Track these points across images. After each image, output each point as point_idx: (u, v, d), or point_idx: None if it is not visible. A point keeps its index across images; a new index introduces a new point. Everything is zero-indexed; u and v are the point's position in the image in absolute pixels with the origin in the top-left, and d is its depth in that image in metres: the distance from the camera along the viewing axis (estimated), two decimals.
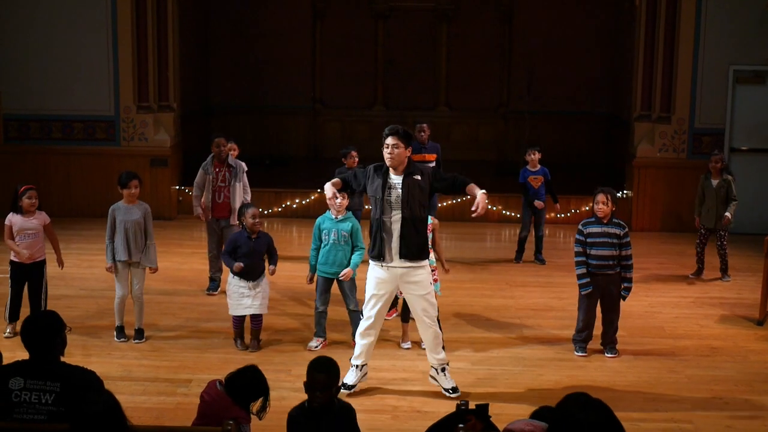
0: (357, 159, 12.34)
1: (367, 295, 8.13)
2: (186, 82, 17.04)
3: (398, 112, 19.38)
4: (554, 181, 13.11)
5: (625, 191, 15.60)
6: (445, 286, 10.18)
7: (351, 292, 9.39)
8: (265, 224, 15.32)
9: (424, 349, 9.39)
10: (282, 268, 11.77)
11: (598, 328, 9.43)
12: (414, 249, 7.89)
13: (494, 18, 19.74)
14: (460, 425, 5.05)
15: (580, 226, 9.28)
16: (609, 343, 9.37)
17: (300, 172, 18.19)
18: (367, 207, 11.45)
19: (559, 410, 4.33)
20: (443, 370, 8.21)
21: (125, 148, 15.65)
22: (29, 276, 9.54)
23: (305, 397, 8.16)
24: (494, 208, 15.72)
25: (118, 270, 9.50)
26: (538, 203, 12.80)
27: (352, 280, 9.42)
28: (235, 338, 9.45)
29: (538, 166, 12.92)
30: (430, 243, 9.13)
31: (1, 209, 9.71)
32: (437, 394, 8.20)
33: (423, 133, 13.04)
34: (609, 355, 9.29)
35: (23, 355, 5.37)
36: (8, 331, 9.58)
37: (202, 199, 11.32)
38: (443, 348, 8.24)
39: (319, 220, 9.44)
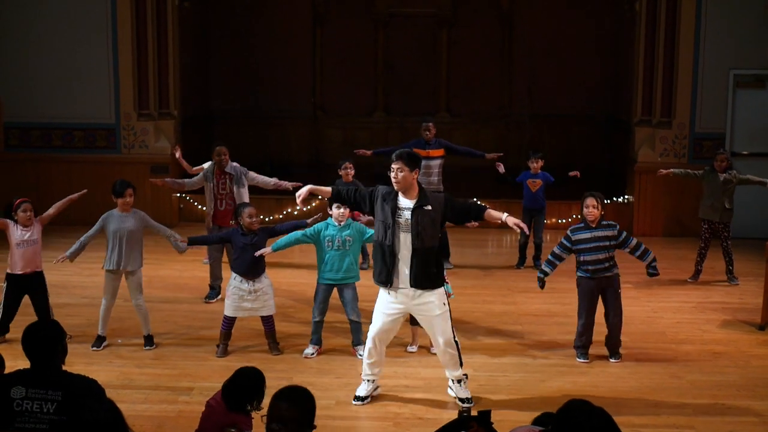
0: (352, 171, 12.40)
1: (375, 315, 8.04)
2: (186, 89, 17.04)
3: (399, 118, 19.39)
4: (554, 185, 13.13)
5: (626, 196, 15.59)
6: None
7: (353, 302, 9.36)
8: None
9: (434, 353, 9.39)
10: (283, 275, 11.81)
11: (599, 333, 9.44)
12: (426, 280, 7.78)
13: (494, 23, 19.74)
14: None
15: (568, 232, 9.28)
16: (613, 347, 9.37)
17: (301, 178, 18.09)
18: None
19: (560, 417, 4.34)
20: (460, 382, 8.15)
21: (126, 155, 15.66)
22: (28, 288, 9.47)
23: None
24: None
25: (107, 275, 9.46)
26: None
27: (354, 289, 9.40)
28: (219, 343, 9.38)
29: (539, 172, 13.00)
30: None
31: (5, 208, 9.72)
32: (439, 402, 8.20)
33: (428, 132, 13.07)
34: (613, 360, 9.30)
35: (24, 363, 5.37)
36: None
37: (207, 210, 11.38)
38: (461, 363, 8.14)
39: (320, 224, 9.37)
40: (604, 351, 9.47)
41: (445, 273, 9.35)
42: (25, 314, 9.49)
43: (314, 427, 4.79)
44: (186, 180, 11.76)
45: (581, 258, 9.17)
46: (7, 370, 5.62)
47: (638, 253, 9.29)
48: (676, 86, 15.17)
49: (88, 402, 5.00)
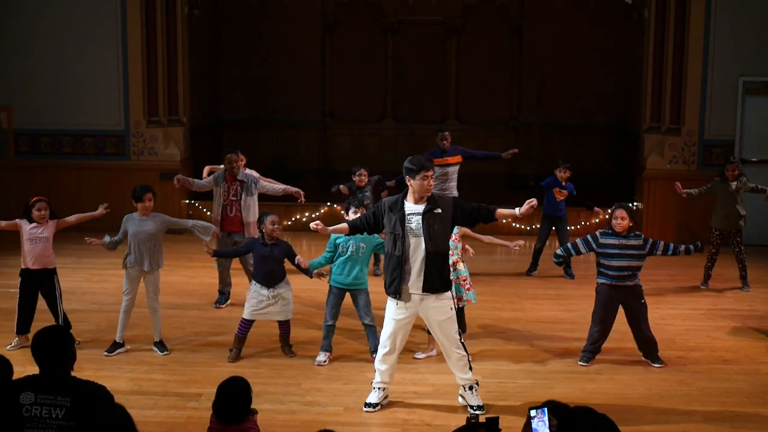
0: (366, 177, 12.49)
1: (386, 320, 8.08)
2: (196, 97, 17.09)
3: (408, 126, 19.42)
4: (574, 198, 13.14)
5: (635, 203, 15.57)
6: None
7: (366, 306, 9.38)
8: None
9: (419, 359, 9.42)
10: (292, 281, 11.81)
11: (611, 340, 9.44)
12: (437, 283, 7.84)
13: (503, 31, 19.77)
14: None
15: (597, 233, 9.31)
16: (649, 354, 9.39)
17: (310, 185, 18.14)
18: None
19: (564, 424, 4.33)
20: (471, 388, 8.16)
21: (135, 162, 15.70)
22: (40, 285, 9.66)
23: (316, 410, 8.20)
24: (504, 221, 15.69)
25: (126, 274, 9.59)
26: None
27: (366, 293, 9.41)
28: (233, 347, 9.46)
29: (565, 183, 12.91)
30: (459, 252, 9.35)
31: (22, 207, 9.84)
32: (447, 408, 8.19)
33: (445, 141, 13.18)
34: (655, 365, 9.31)
35: (33, 369, 5.39)
36: (14, 343, 9.65)
37: (213, 215, 11.40)
38: (470, 369, 8.17)
39: (341, 239, 9.34)
40: (613, 357, 9.47)
41: (469, 281, 9.46)
42: (44, 320, 9.54)
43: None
44: (196, 180, 11.77)
45: (605, 262, 9.18)
46: (16, 376, 5.63)
47: (670, 252, 9.37)
48: (685, 93, 15.14)
49: (100, 407, 5.01)
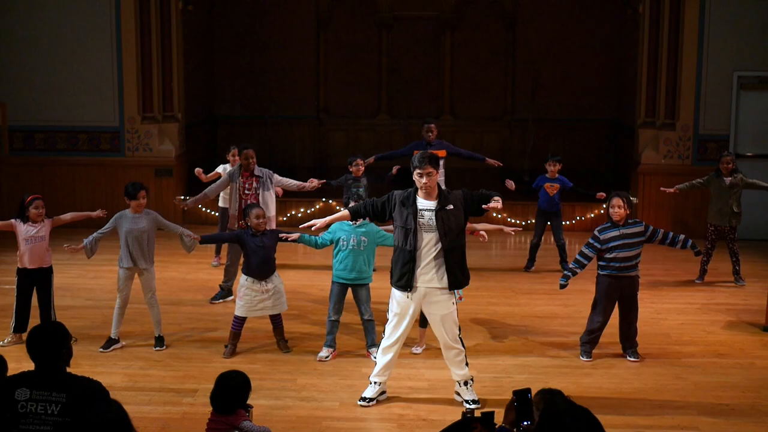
0: (362, 167, 12.45)
1: (390, 314, 8.09)
2: (190, 93, 17.08)
3: (402, 121, 19.40)
4: (572, 190, 13.08)
5: (630, 198, 15.57)
6: None
7: (367, 301, 9.37)
8: None
9: (416, 353, 9.40)
10: (288, 276, 11.82)
11: (605, 335, 9.45)
12: (461, 277, 7.93)
13: (498, 26, 19.75)
14: None
15: (596, 232, 9.26)
16: (630, 347, 9.41)
17: (305, 180, 18.15)
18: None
19: (544, 418, 4.33)
20: (466, 384, 8.18)
21: (130, 158, 15.69)
22: (36, 283, 9.63)
23: (312, 405, 8.21)
24: (499, 216, 15.70)
25: (120, 273, 9.58)
26: (508, 182, 12.56)
27: (368, 289, 9.40)
28: (228, 343, 9.45)
29: (557, 176, 12.88)
30: None
31: (6, 218, 9.78)
32: (443, 403, 8.20)
33: (430, 134, 13.22)
34: (631, 359, 9.34)
35: (29, 365, 5.39)
36: (7, 339, 9.64)
37: (230, 211, 11.39)
38: (467, 364, 8.18)
39: (336, 224, 9.28)
40: (608, 351, 9.49)
41: None
42: (37, 316, 9.57)
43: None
44: (206, 190, 11.73)
45: (610, 255, 9.14)
46: (11, 372, 5.63)
47: (668, 241, 9.37)
48: (679, 88, 15.16)
49: (95, 403, 5.01)
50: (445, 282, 7.84)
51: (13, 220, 9.62)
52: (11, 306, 9.83)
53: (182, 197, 12.06)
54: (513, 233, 9.56)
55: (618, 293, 9.27)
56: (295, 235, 9.35)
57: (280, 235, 9.52)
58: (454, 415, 7.41)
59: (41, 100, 15.62)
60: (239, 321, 9.45)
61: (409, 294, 7.88)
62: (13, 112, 15.66)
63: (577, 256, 9.36)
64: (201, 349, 9.64)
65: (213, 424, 6.17)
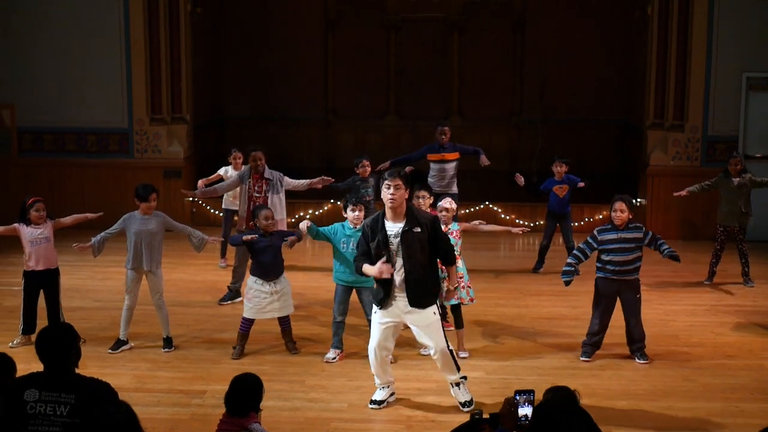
0: (369, 168, 12.45)
1: (372, 325, 8.07)
2: (199, 94, 17.09)
3: (410, 122, 19.40)
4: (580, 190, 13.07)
5: (638, 199, 15.57)
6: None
7: (371, 303, 9.29)
8: None
9: (425, 355, 9.36)
10: (295, 278, 11.82)
11: (609, 336, 9.45)
12: (422, 298, 7.76)
13: (506, 27, 19.73)
14: None
15: (595, 232, 9.31)
16: (638, 350, 9.39)
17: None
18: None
19: (539, 415, 4.33)
20: (458, 385, 8.14)
21: (139, 160, 15.71)
22: (44, 285, 9.63)
23: (320, 407, 8.21)
24: (507, 218, 15.71)
25: (128, 274, 9.58)
26: (518, 177, 12.58)
27: (371, 290, 9.36)
28: (236, 344, 9.47)
29: (563, 177, 12.81)
30: (459, 249, 9.29)
31: (15, 220, 9.76)
32: (451, 405, 8.18)
33: (444, 136, 13.13)
34: (640, 362, 9.31)
35: (38, 366, 5.39)
36: (17, 341, 9.64)
37: (240, 212, 11.39)
38: (458, 368, 8.10)
39: (337, 225, 9.36)
40: (616, 352, 9.47)
41: (467, 278, 9.40)
42: (44, 318, 9.58)
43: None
44: (217, 186, 11.88)
45: (605, 258, 9.18)
46: (20, 374, 5.64)
47: (654, 246, 9.32)
48: (688, 89, 15.13)
49: (104, 404, 5.02)
50: (424, 305, 7.78)
51: (15, 225, 9.60)
52: (18, 308, 9.83)
53: (195, 191, 12.06)
54: (521, 233, 9.56)
55: (615, 296, 9.28)
56: (294, 237, 9.50)
57: (286, 238, 9.53)
58: (463, 416, 7.43)
59: (50, 101, 15.64)
60: (247, 322, 9.46)
61: (384, 310, 7.86)
62: (22, 113, 15.69)
63: (575, 251, 9.41)
64: (209, 351, 9.64)
65: (224, 425, 6.18)
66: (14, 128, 15.78)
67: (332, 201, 15.70)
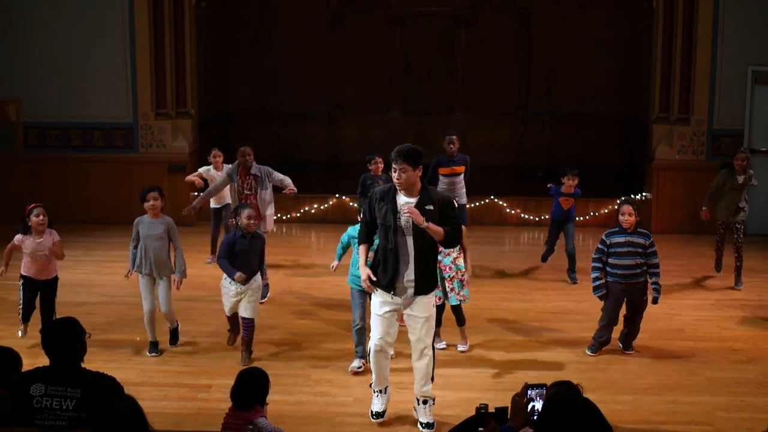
0: (382, 165, 12.16)
1: (372, 318, 7.67)
2: (203, 89, 17.09)
3: (416, 117, 19.37)
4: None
5: (644, 193, 15.55)
6: None
7: None
8: (284, 229, 15.38)
9: (462, 351, 9.29)
10: (300, 273, 11.84)
11: (615, 331, 9.46)
12: (428, 283, 7.47)
13: (512, 21, 19.68)
14: (480, 429, 5.05)
15: (603, 236, 9.28)
16: (627, 342, 9.48)
17: (318, 177, 18.21)
18: None
19: (546, 408, 4.33)
20: (425, 402, 7.71)
21: (143, 154, 15.72)
22: (41, 290, 9.41)
23: (325, 401, 8.22)
24: (512, 212, 15.69)
25: (141, 280, 9.40)
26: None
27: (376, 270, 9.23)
28: (229, 328, 9.56)
29: (573, 191, 12.26)
30: (458, 250, 9.07)
31: (20, 215, 9.63)
32: (456, 398, 8.17)
33: (452, 146, 12.61)
34: (628, 352, 9.39)
35: (44, 361, 5.41)
36: (21, 330, 9.51)
37: (232, 206, 11.35)
38: (432, 380, 7.81)
39: (350, 230, 9.08)
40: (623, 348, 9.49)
41: (467, 277, 9.24)
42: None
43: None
44: (209, 191, 11.95)
45: (612, 261, 9.17)
46: (26, 368, 5.66)
47: (652, 272, 9.20)
48: (693, 83, 15.11)
49: (110, 398, 5.04)
50: (425, 291, 7.48)
51: (15, 240, 9.28)
52: (17, 301, 9.66)
53: (192, 206, 12.02)
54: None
55: (623, 298, 9.29)
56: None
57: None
58: (469, 410, 7.42)
59: (55, 96, 15.64)
60: (228, 319, 9.48)
61: (395, 296, 7.47)
62: (27, 108, 15.71)
63: (594, 263, 9.30)
64: (215, 345, 9.65)
65: (230, 419, 6.20)
66: (20, 123, 15.79)
67: (337, 195, 15.69)
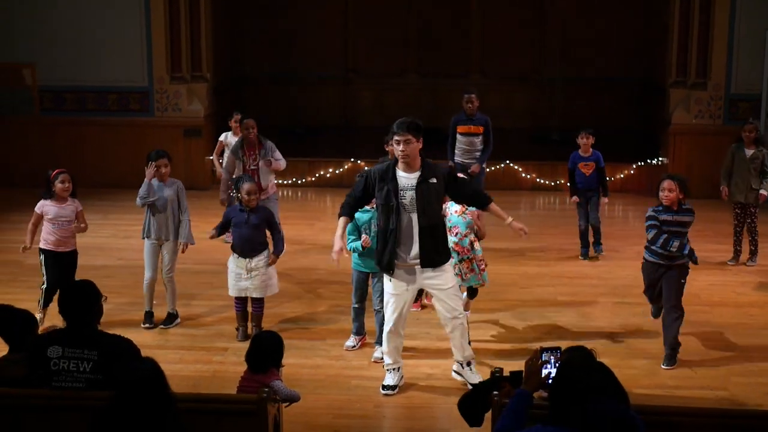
0: None
1: (386, 297, 7.61)
2: (218, 53, 17.06)
3: (431, 80, 19.29)
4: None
5: (660, 158, 15.49)
6: None
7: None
8: (299, 194, 15.39)
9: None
10: (314, 240, 11.81)
11: (634, 296, 9.44)
12: (435, 256, 7.36)
13: None
14: (495, 392, 5.07)
15: (652, 212, 8.30)
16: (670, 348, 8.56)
17: (332, 141, 18.19)
18: None
19: (560, 372, 4.33)
20: (469, 364, 7.79)
21: (159, 118, 15.72)
22: (63, 264, 9.08)
23: (341, 364, 8.25)
24: (528, 176, 15.65)
25: (146, 246, 9.24)
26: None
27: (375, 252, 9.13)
28: (237, 326, 8.99)
29: (590, 152, 11.60)
30: (474, 232, 8.84)
31: (37, 179, 9.53)
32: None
33: (471, 105, 12.25)
34: (664, 367, 8.31)
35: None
36: (40, 314, 8.94)
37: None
38: (469, 343, 7.86)
39: (358, 214, 8.35)
40: (637, 311, 9.45)
41: (485, 261, 8.98)
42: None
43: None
44: (224, 177, 11.54)
45: (661, 240, 8.18)
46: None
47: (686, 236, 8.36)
48: (711, 47, 14.99)
49: (129, 360, 5.06)
50: (438, 264, 7.39)
51: (37, 208, 9.05)
52: (33, 265, 9.54)
53: (223, 198, 11.62)
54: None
55: (659, 281, 8.39)
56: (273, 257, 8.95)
57: (271, 257, 8.97)
58: (483, 374, 7.45)
59: (71, 60, 15.64)
60: (236, 302, 9.01)
61: (393, 276, 7.42)
62: (43, 72, 15.71)
63: (654, 242, 8.22)
64: (231, 309, 9.64)
65: (245, 382, 6.24)
66: (35, 87, 15.81)
67: (352, 160, 15.68)
